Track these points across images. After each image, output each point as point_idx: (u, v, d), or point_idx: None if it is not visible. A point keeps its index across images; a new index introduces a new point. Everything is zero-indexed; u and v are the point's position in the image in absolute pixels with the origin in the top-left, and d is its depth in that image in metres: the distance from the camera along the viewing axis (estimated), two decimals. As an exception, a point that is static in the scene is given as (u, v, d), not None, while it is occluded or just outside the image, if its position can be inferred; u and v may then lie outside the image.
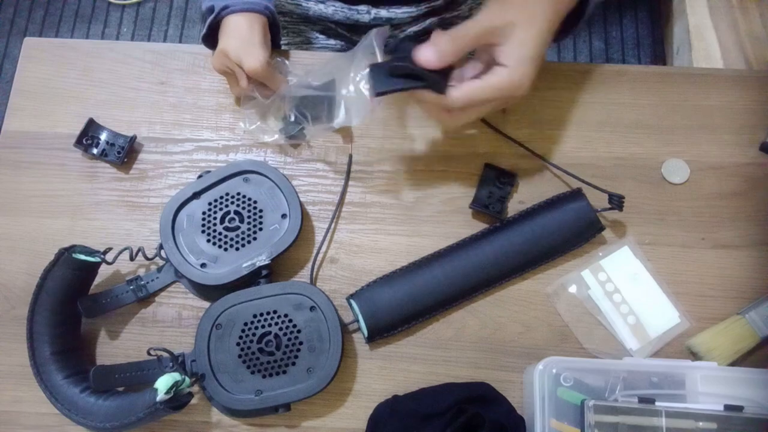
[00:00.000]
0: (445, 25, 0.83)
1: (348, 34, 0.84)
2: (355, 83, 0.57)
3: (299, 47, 0.83)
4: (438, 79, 0.52)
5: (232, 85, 0.65)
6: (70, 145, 0.63)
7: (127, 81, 0.68)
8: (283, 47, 0.67)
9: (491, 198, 0.61)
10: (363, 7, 0.77)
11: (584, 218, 0.59)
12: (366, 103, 0.57)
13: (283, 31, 0.83)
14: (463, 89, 0.51)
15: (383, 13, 0.78)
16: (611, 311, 0.58)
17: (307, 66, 0.68)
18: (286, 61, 0.66)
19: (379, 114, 0.66)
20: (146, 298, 0.59)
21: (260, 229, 0.58)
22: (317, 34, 0.84)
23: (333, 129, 0.62)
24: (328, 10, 0.78)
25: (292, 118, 0.64)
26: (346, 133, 0.65)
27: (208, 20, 0.62)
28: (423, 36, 0.84)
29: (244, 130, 0.65)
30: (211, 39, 0.64)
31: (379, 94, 0.52)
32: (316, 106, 0.63)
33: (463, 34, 0.51)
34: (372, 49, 0.56)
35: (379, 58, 0.55)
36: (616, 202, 0.58)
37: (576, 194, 0.60)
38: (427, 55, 0.51)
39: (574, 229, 0.59)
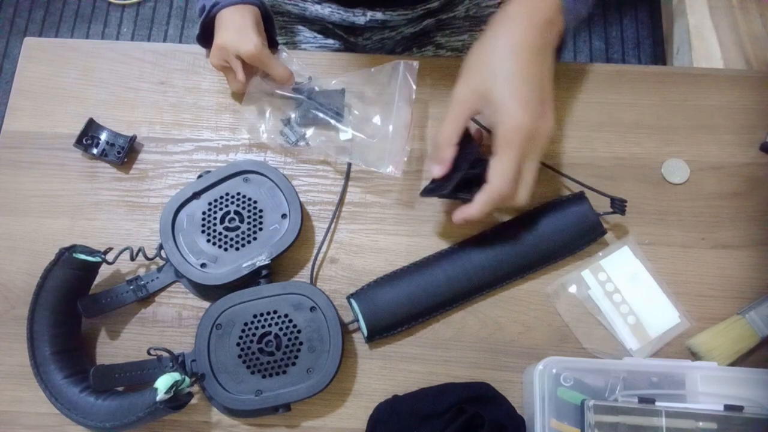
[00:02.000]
0: (442, 26, 0.83)
1: (345, 35, 0.83)
2: (395, 123, 0.59)
3: (297, 47, 0.83)
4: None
5: (231, 81, 0.65)
6: (70, 145, 0.63)
7: (127, 81, 0.68)
8: (280, 46, 0.67)
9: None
10: (359, 10, 0.77)
11: (586, 222, 0.58)
12: (403, 144, 0.59)
13: (281, 30, 0.83)
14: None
15: (379, 15, 0.77)
16: (611, 311, 0.58)
17: (310, 66, 0.68)
18: (295, 59, 0.65)
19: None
20: (146, 298, 0.59)
21: (260, 229, 0.58)
22: (315, 34, 0.84)
23: (337, 145, 0.62)
24: (325, 11, 0.78)
25: (293, 119, 0.64)
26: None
27: (201, 19, 0.63)
28: (420, 36, 0.84)
29: (245, 129, 0.65)
30: (206, 39, 0.64)
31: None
32: (320, 113, 0.63)
33: (448, 131, 0.54)
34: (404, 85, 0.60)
35: (406, 100, 0.59)
36: (618, 206, 0.58)
37: (578, 197, 0.60)
38: (435, 171, 0.55)
39: (576, 232, 0.58)
